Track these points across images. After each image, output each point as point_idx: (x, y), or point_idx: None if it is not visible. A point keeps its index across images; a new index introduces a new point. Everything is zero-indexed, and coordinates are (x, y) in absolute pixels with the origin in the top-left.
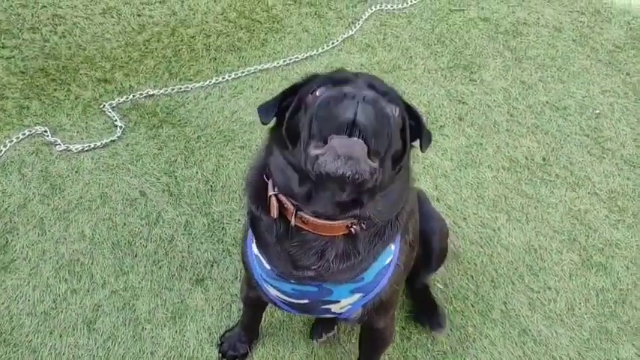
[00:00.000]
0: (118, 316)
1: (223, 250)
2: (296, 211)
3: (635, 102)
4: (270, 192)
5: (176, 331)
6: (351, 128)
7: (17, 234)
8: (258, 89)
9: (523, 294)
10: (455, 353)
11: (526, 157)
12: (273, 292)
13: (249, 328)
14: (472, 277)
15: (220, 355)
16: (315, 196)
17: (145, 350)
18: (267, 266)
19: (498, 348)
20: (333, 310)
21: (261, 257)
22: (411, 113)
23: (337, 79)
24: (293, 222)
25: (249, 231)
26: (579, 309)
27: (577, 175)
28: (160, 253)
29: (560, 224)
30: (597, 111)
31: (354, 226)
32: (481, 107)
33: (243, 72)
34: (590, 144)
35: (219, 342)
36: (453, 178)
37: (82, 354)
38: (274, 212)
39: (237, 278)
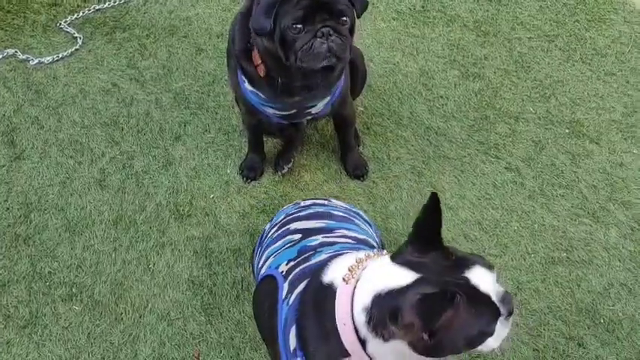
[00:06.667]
0: (121, 174)
1: (191, 114)
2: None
3: None
4: (257, 61)
5: (170, 175)
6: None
7: (19, 131)
8: None
9: (423, 104)
10: (382, 152)
11: (409, 8)
12: (270, 110)
13: (257, 150)
14: (384, 99)
15: (244, 179)
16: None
17: (150, 192)
18: (263, 96)
19: (411, 142)
20: (312, 112)
21: (257, 91)
22: None
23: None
24: (280, 81)
25: (241, 77)
26: (464, 106)
27: (449, 14)
28: (141, 124)
29: (442, 51)
30: None
31: None
32: None
33: None
34: None
35: (239, 171)
36: (357, 31)
37: (100, 205)
38: (262, 72)
39: (206, 131)
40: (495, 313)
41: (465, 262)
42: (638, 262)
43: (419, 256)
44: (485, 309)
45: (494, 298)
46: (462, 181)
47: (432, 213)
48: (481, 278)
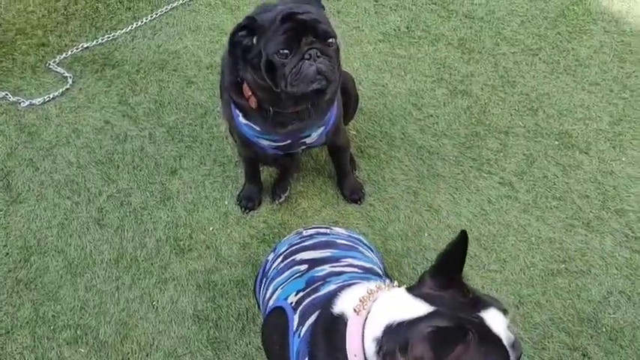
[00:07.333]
0: (119, 211)
1: (185, 147)
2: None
3: None
4: (248, 93)
5: (168, 210)
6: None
7: (14, 175)
8: (173, 24)
9: (414, 124)
10: (377, 174)
11: (394, 29)
12: (265, 142)
13: (254, 180)
14: (375, 121)
15: (243, 209)
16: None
17: (149, 228)
18: (258, 128)
19: (405, 163)
20: (307, 142)
21: (251, 124)
22: None
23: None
24: (272, 111)
25: (234, 111)
26: (455, 124)
27: (434, 34)
28: (136, 160)
29: (429, 71)
30: None
31: None
32: None
33: (156, 13)
34: (439, 9)
35: (237, 202)
36: (345, 56)
37: (100, 244)
38: (254, 104)
39: (201, 163)
40: (504, 356)
41: (482, 302)
42: (634, 268)
43: (438, 290)
44: (494, 350)
45: (505, 341)
46: (458, 199)
47: (458, 249)
48: (495, 320)
